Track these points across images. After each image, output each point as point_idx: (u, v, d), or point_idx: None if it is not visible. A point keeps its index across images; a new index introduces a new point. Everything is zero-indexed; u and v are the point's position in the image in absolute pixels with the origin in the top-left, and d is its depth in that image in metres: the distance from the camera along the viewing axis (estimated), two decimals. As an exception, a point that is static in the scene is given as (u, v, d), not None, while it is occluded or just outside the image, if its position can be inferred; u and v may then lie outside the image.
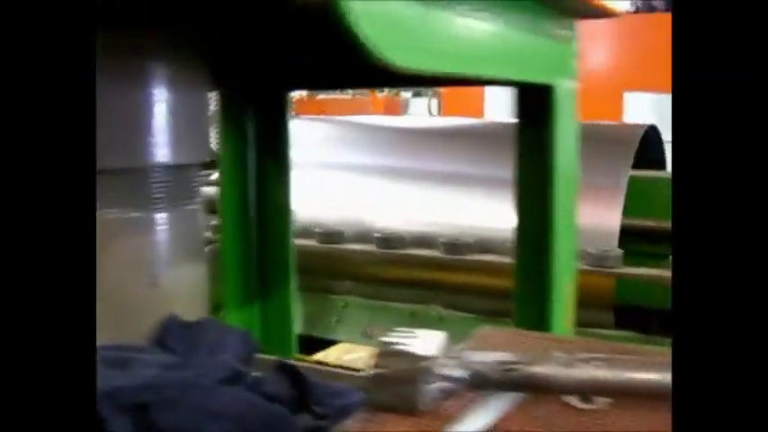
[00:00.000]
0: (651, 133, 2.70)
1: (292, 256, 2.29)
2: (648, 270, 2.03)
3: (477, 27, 1.43)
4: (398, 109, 13.12)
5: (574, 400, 1.10)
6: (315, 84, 3.12)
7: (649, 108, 6.71)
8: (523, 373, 1.03)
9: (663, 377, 1.04)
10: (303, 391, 1.16)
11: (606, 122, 3.53)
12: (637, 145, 2.35)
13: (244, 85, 2.23)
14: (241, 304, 2.26)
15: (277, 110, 2.26)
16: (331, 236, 2.60)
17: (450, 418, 1.02)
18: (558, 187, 1.86)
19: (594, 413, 1.09)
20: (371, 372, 1.01)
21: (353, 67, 1.39)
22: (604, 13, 1.90)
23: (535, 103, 1.86)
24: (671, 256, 1.96)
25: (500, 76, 1.60)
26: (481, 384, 1.04)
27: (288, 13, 1.63)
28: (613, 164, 2.28)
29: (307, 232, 2.69)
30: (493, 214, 2.45)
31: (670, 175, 2.39)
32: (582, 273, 2.03)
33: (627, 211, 2.26)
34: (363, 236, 2.63)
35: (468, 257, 2.38)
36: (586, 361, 1.06)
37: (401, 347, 1.02)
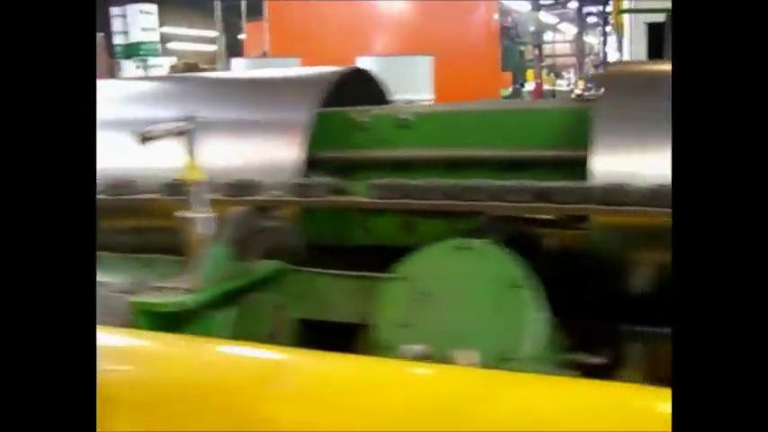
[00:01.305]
0: (368, 75, 2.90)
1: None
2: (333, 197, 2.06)
3: None
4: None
5: None
6: None
7: (377, 68, 7.81)
8: None
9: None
10: None
11: (303, 68, 3.72)
12: (326, 85, 2.49)
13: None
14: None
15: None
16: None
17: None
18: None
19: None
20: None
21: None
22: None
23: None
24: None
25: None
26: None
27: None
28: (299, 102, 2.41)
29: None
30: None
31: (356, 110, 2.58)
32: (269, 203, 2.10)
33: (317, 145, 2.35)
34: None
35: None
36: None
37: None
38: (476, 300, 1.73)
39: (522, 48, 24.22)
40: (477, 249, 1.79)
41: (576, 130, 2.13)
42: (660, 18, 10.48)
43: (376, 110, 2.61)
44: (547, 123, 2.29)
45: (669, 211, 1.62)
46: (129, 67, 15.47)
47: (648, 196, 1.71)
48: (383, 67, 7.81)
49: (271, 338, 1.96)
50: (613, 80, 2.20)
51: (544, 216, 2.03)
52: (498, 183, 1.90)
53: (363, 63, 8.07)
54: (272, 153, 2.23)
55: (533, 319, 1.68)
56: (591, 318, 1.98)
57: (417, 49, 8.85)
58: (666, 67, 2.46)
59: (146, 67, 15.26)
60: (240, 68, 9.22)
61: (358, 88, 2.82)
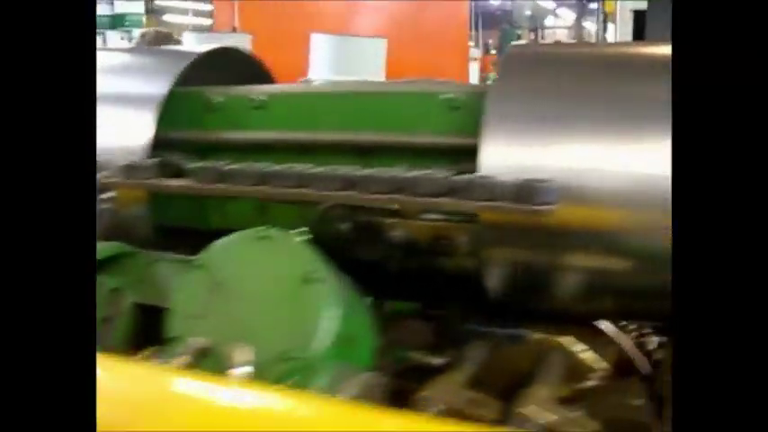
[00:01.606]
0: (244, 55, 2.75)
1: None
2: (180, 181, 1.99)
3: None
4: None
5: None
6: None
7: (330, 47, 7.76)
8: None
9: None
10: None
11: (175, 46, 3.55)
12: (183, 65, 2.34)
13: None
14: None
15: None
16: None
17: None
18: None
19: None
20: None
21: None
22: None
23: None
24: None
25: None
26: None
27: None
28: (152, 79, 2.32)
29: None
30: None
31: (213, 89, 2.41)
32: (120, 185, 1.97)
33: (172, 125, 2.23)
34: None
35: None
36: None
37: None
38: (265, 294, 1.65)
39: (519, 32, 24.22)
40: (274, 239, 1.70)
41: (465, 116, 1.97)
42: (644, 5, 10.71)
43: (233, 90, 2.45)
44: (426, 107, 2.09)
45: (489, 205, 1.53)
46: (113, 38, 15.10)
47: (463, 187, 1.58)
48: (336, 46, 7.68)
49: (106, 322, 1.85)
50: (510, 63, 2.02)
51: (391, 206, 1.88)
52: (309, 169, 1.78)
53: (317, 41, 7.94)
54: (118, 131, 2.13)
55: (326, 317, 1.59)
56: (435, 315, 1.90)
57: (387, 32, 8.65)
58: (573, 49, 2.34)
59: (130, 39, 14.93)
60: (191, 43, 8.85)
61: (236, 68, 2.65)
